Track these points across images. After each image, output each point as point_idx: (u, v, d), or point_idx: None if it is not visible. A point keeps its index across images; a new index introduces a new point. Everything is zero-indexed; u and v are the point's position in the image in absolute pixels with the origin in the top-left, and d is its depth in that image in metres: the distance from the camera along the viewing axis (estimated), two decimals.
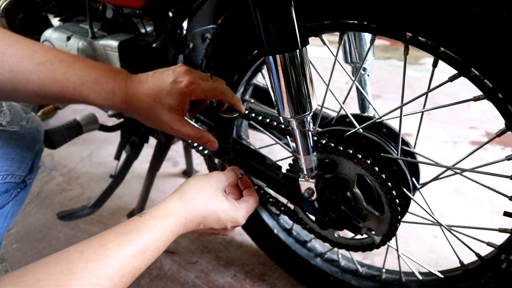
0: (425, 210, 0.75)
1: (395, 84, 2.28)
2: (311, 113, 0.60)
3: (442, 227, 0.75)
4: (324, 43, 0.71)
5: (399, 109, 0.69)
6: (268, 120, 0.77)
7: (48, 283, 0.40)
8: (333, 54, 0.70)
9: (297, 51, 0.54)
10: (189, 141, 0.96)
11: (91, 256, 0.45)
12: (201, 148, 0.92)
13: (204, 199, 0.61)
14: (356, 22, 0.61)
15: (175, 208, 0.57)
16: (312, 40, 0.64)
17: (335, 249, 0.92)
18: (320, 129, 0.78)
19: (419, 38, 0.56)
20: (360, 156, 0.68)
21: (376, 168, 0.67)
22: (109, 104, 0.63)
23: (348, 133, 0.73)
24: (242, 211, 0.66)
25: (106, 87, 0.61)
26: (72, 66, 0.59)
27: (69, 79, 0.59)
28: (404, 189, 0.72)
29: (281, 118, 0.65)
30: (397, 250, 0.84)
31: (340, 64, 0.75)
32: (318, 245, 1.00)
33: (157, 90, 0.63)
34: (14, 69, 0.56)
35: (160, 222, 0.54)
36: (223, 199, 0.63)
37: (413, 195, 0.73)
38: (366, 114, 0.84)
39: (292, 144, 0.82)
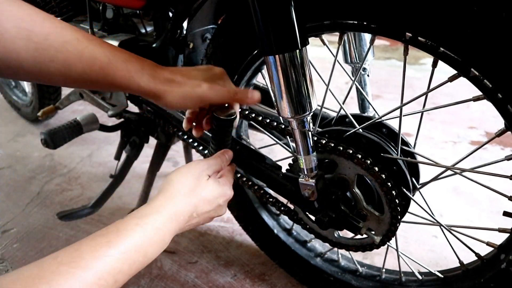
0: (425, 210, 0.75)
1: (395, 84, 2.28)
2: (311, 113, 0.60)
3: (442, 227, 0.75)
4: (324, 43, 0.71)
5: (399, 109, 0.69)
6: (268, 120, 0.77)
7: None
8: (333, 54, 0.71)
9: (297, 51, 0.54)
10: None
11: (63, 259, 0.44)
12: (201, 148, 0.92)
13: (188, 190, 0.60)
14: (355, 22, 0.61)
15: (160, 205, 0.56)
16: (312, 40, 0.64)
17: (335, 249, 0.93)
18: (320, 129, 0.78)
19: (419, 38, 0.56)
20: (360, 156, 0.68)
21: (376, 168, 0.67)
22: (137, 83, 0.60)
23: (348, 133, 0.73)
24: (225, 184, 0.67)
25: (135, 65, 0.60)
26: (101, 45, 0.58)
27: (96, 57, 0.57)
28: (404, 189, 0.72)
29: (281, 118, 0.65)
30: (397, 250, 0.84)
31: (340, 64, 0.75)
32: (318, 245, 1.00)
33: (194, 69, 0.65)
34: (40, 47, 0.53)
35: (143, 221, 0.52)
36: (207, 183, 0.64)
37: (413, 195, 0.73)
38: (366, 114, 0.84)
39: (292, 144, 0.83)
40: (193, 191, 0.61)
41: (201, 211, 0.61)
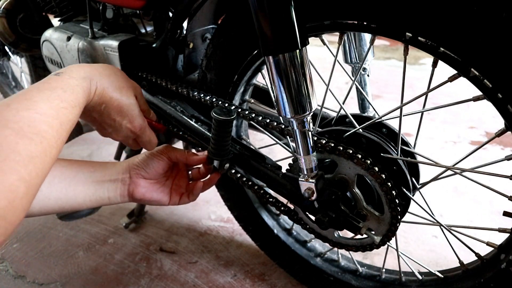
0: (425, 210, 0.75)
1: (395, 84, 2.28)
2: (311, 113, 0.60)
3: (442, 227, 0.75)
4: (324, 43, 0.71)
5: (399, 109, 0.69)
6: (268, 120, 0.77)
7: None
8: (333, 54, 0.71)
9: (297, 51, 0.54)
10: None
11: (20, 107, 0.44)
12: (201, 148, 0.92)
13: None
14: (355, 22, 0.61)
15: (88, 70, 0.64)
16: (312, 40, 0.64)
17: (335, 249, 0.93)
18: (320, 129, 0.78)
19: (419, 38, 0.56)
20: (360, 156, 0.68)
21: (376, 168, 0.67)
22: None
23: (348, 133, 0.73)
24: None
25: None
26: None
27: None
28: (404, 189, 0.72)
29: (281, 118, 0.65)
30: (397, 250, 0.84)
31: (340, 64, 0.75)
32: (318, 245, 1.01)
33: None
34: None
35: (82, 83, 0.60)
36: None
37: (413, 195, 0.73)
38: (366, 114, 0.84)
39: (292, 144, 0.83)
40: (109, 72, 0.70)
41: (104, 74, 0.67)
